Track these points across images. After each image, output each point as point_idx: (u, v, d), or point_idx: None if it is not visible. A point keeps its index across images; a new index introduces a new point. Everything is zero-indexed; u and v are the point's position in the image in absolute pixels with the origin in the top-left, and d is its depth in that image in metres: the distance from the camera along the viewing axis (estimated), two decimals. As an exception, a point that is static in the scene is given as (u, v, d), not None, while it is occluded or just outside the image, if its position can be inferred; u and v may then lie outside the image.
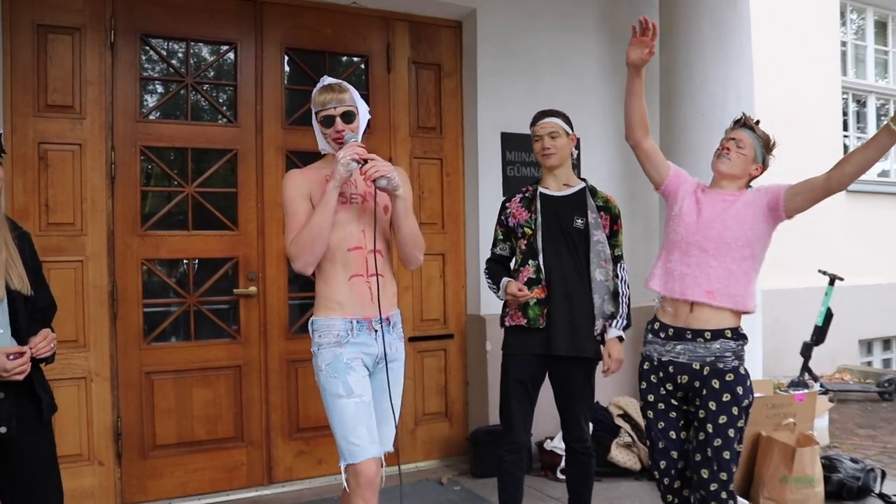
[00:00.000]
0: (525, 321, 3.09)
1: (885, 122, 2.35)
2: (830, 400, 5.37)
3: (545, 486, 4.26)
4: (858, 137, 8.18)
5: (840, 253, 7.13)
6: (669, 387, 2.73)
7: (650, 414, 2.81)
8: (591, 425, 3.30)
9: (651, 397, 2.79)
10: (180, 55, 4.18)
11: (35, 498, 2.35)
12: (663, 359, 2.73)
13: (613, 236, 3.20)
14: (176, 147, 4.10)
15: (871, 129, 8.26)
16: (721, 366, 2.61)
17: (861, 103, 8.26)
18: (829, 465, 3.99)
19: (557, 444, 4.36)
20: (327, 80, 2.63)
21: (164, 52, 4.12)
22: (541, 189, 3.21)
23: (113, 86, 3.89)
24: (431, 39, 4.79)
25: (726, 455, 2.57)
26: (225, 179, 4.25)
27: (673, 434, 2.75)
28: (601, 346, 3.18)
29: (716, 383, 2.60)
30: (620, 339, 3.13)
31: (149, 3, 3.99)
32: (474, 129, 4.74)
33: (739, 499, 3.58)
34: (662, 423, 2.76)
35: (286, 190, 2.58)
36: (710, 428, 2.59)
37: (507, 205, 3.28)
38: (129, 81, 3.94)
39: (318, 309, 2.59)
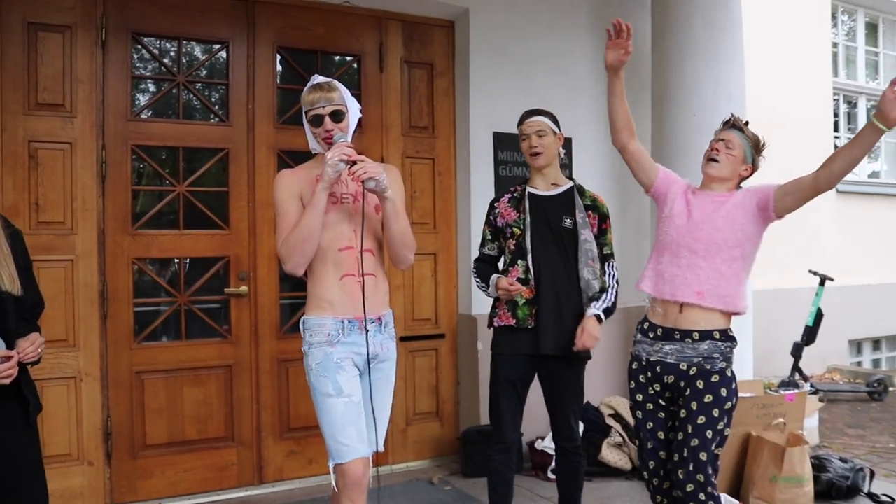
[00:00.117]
0: (514, 321, 3.10)
1: (869, 119, 2.35)
2: (820, 400, 5.39)
3: (536, 486, 4.26)
4: (849, 138, 8.19)
5: (830, 253, 7.17)
6: (657, 387, 2.74)
7: (639, 414, 2.81)
8: (581, 425, 3.31)
9: (640, 397, 2.80)
10: (172, 54, 4.17)
11: (21, 499, 2.34)
12: (651, 359, 2.74)
13: (602, 235, 3.20)
14: (167, 146, 4.09)
15: (862, 131, 8.28)
16: (708, 367, 2.61)
17: (852, 104, 8.29)
18: (819, 465, 4.01)
19: (548, 444, 4.36)
20: (317, 78, 2.63)
21: (156, 51, 4.11)
22: (529, 189, 3.21)
23: (104, 84, 3.88)
24: (424, 39, 4.78)
25: (703, 456, 2.56)
26: (216, 179, 4.24)
27: (661, 434, 2.76)
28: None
29: (700, 384, 2.60)
30: (599, 318, 3.07)
31: (140, 2, 3.97)
32: (466, 129, 4.74)
33: (730, 498, 3.61)
34: (651, 424, 2.77)
35: (277, 190, 2.57)
36: (689, 428, 2.59)
37: (496, 205, 3.28)
38: (120, 80, 3.93)
39: (309, 308, 2.59)
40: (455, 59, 4.86)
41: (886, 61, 8.52)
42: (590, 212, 3.18)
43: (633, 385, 2.83)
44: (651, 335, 2.76)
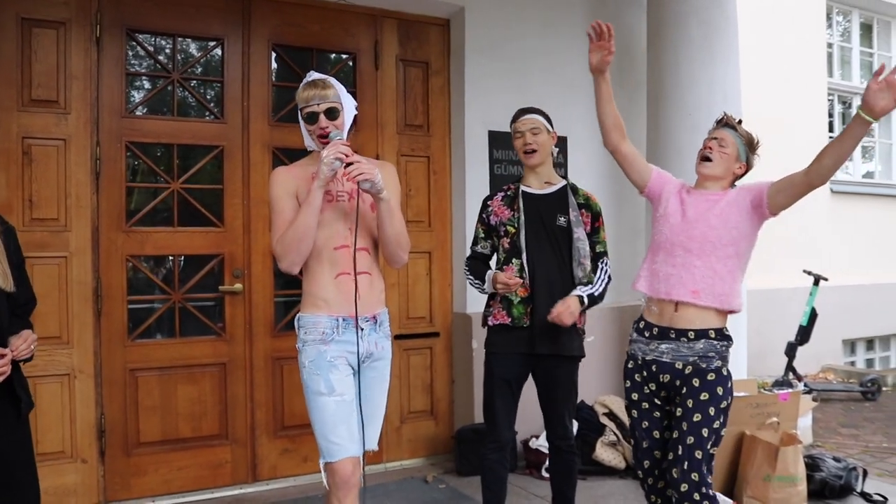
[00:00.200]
0: (509, 320, 3.09)
1: (856, 112, 2.35)
2: (814, 399, 5.40)
3: (530, 485, 4.26)
4: (844, 139, 8.23)
5: (825, 253, 7.19)
6: (653, 386, 2.74)
7: (634, 413, 2.81)
8: (575, 424, 3.31)
9: (635, 396, 2.79)
10: (167, 51, 4.15)
11: (13, 496, 2.33)
12: (647, 358, 2.74)
13: (595, 233, 3.21)
14: (162, 143, 4.08)
15: (857, 131, 8.30)
16: (704, 365, 2.61)
17: (846, 105, 8.31)
18: (812, 464, 4.02)
19: (542, 443, 4.36)
20: (313, 75, 2.62)
21: (151, 48, 4.09)
22: (523, 187, 3.22)
23: (98, 81, 3.87)
24: (419, 37, 4.78)
25: (698, 454, 2.55)
26: (211, 176, 4.24)
27: (656, 433, 2.76)
28: (583, 344, 3.19)
29: (696, 382, 2.60)
30: (581, 300, 3.04)
31: (135, -2, 3.97)
32: (461, 127, 4.74)
33: (724, 498, 3.61)
34: (646, 423, 2.77)
35: (272, 188, 2.57)
36: (684, 426, 2.58)
37: (489, 203, 3.28)
38: (114, 77, 3.91)
39: (304, 306, 2.58)
40: (450, 58, 4.86)
41: (880, 62, 8.52)
42: (583, 210, 3.19)
43: (628, 384, 2.83)
44: (647, 334, 2.76)
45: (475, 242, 3.31)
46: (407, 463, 4.67)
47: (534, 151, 3.15)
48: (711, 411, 2.57)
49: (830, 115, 7.95)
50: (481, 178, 4.72)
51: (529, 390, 3.21)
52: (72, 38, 3.79)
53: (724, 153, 2.73)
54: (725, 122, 2.80)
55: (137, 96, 4.08)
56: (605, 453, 4.42)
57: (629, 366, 2.84)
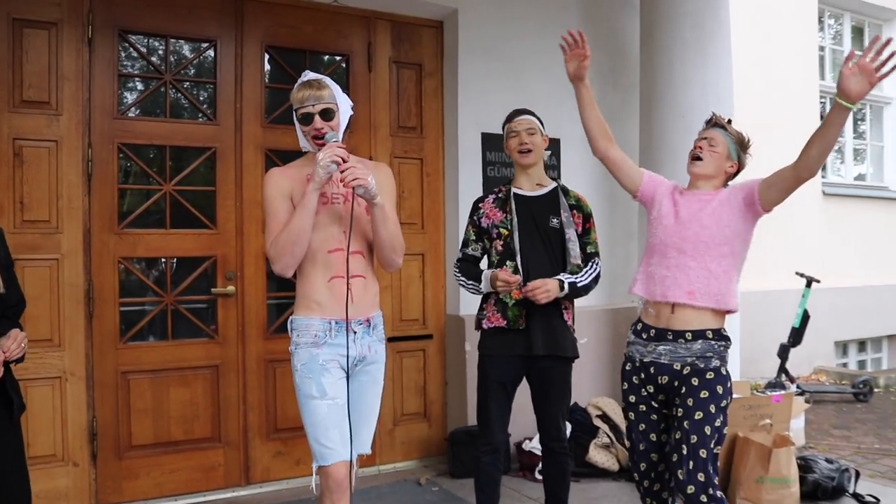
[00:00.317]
0: (504, 322, 3.09)
1: (834, 99, 2.34)
2: (806, 401, 5.42)
3: (523, 487, 4.26)
4: (838, 142, 8.25)
5: (817, 255, 7.21)
6: (651, 388, 2.72)
7: (631, 415, 2.80)
8: (568, 426, 3.30)
9: (633, 398, 2.78)
10: (160, 52, 4.14)
11: (4, 499, 2.32)
12: (645, 360, 2.72)
13: (586, 234, 3.21)
14: (154, 144, 4.06)
15: (849, 133, 8.36)
16: (702, 365, 2.60)
17: (838, 107, 8.33)
18: (805, 466, 4.02)
19: (536, 445, 4.36)
20: (308, 75, 2.59)
21: (143, 49, 4.08)
22: (514, 189, 3.22)
23: (90, 82, 3.85)
24: (413, 39, 4.78)
25: (702, 454, 2.52)
26: (204, 178, 4.22)
27: (653, 436, 2.74)
28: (577, 345, 3.20)
29: (695, 381, 2.59)
30: (561, 285, 3.02)
31: (127, -1, 3.95)
32: (455, 130, 4.74)
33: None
34: (643, 426, 2.76)
35: (266, 189, 2.55)
36: (685, 424, 2.55)
37: (480, 205, 3.27)
38: (107, 78, 3.90)
39: (297, 308, 2.57)
40: (443, 60, 4.86)
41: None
42: (574, 211, 3.20)
43: (626, 386, 2.82)
44: (644, 336, 2.75)
45: (465, 245, 3.29)
46: (400, 465, 4.66)
47: (529, 151, 3.16)
48: (712, 409, 2.55)
49: (822, 118, 7.95)
50: (474, 180, 4.72)
51: (522, 393, 3.21)
52: (63, 38, 3.77)
53: (715, 152, 2.73)
54: (715, 123, 2.81)
55: (130, 98, 4.06)
56: (598, 455, 4.42)
57: (627, 368, 2.83)
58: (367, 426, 2.67)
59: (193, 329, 4.16)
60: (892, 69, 2.25)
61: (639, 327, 2.80)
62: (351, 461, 2.51)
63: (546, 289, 2.96)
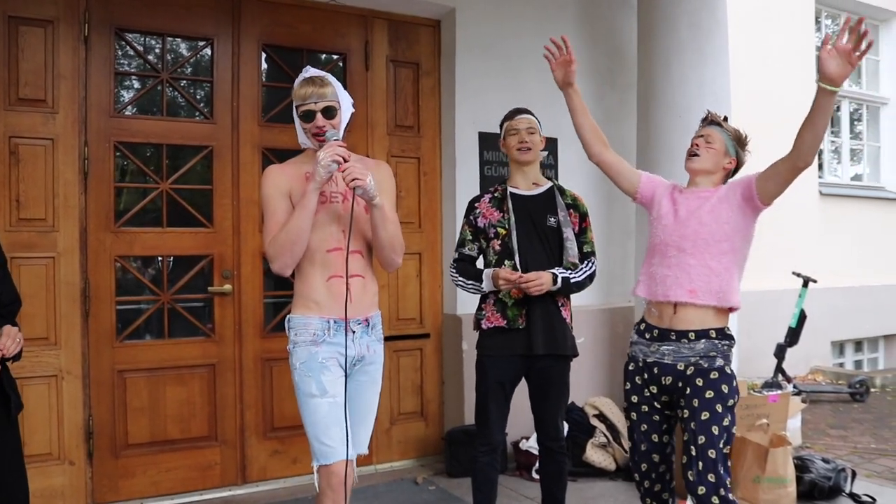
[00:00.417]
0: (504, 322, 3.08)
1: (817, 84, 2.33)
2: (803, 401, 5.42)
3: (520, 486, 4.26)
4: (832, 141, 8.29)
5: (814, 255, 7.21)
6: (654, 389, 2.70)
7: (633, 416, 2.77)
8: (565, 425, 3.30)
9: (635, 398, 2.76)
10: (156, 50, 4.13)
11: (2, 498, 2.32)
12: (648, 360, 2.70)
13: (583, 234, 3.22)
14: (151, 143, 4.06)
15: (846, 134, 8.37)
16: (706, 365, 2.58)
17: (835, 108, 8.35)
18: (802, 466, 4.03)
19: (532, 445, 4.36)
20: (310, 71, 2.57)
21: (140, 47, 4.07)
22: (510, 188, 3.22)
23: (87, 80, 3.84)
24: (410, 38, 4.77)
25: (711, 454, 2.49)
26: (200, 176, 4.21)
27: (655, 437, 2.72)
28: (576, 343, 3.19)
29: (699, 381, 2.56)
30: (555, 279, 3.02)
31: (124, -3, 3.94)
32: (452, 129, 4.73)
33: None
34: (645, 426, 2.73)
35: (265, 187, 2.52)
36: (692, 426, 2.53)
37: (476, 205, 3.26)
38: (103, 76, 3.89)
39: (295, 307, 2.55)
40: (441, 59, 4.85)
41: (869, 65, 8.59)
42: (571, 211, 3.20)
43: (628, 386, 2.79)
44: (647, 336, 2.73)
45: (462, 245, 3.27)
46: (397, 464, 4.66)
47: (528, 149, 3.17)
48: (719, 408, 2.53)
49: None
50: (471, 180, 4.72)
51: (519, 392, 3.21)
52: (60, 36, 3.76)
53: (711, 148, 2.72)
54: (711, 120, 2.80)
55: (126, 96, 4.06)
56: (595, 455, 4.42)
57: (630, 368, 2.80)
58: (365, 427, 2.66)
59: (190, 328, 4.15)
60: (868, 48, 2.24)
61: (642, 327, 2.78)
62: (347, 460, 2.51)
63: (540, 282, 2.97)
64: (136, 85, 4.11)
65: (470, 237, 3.26)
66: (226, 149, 4.19)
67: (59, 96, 3.77)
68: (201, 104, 4.22)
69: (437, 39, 4.86)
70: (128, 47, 4.03)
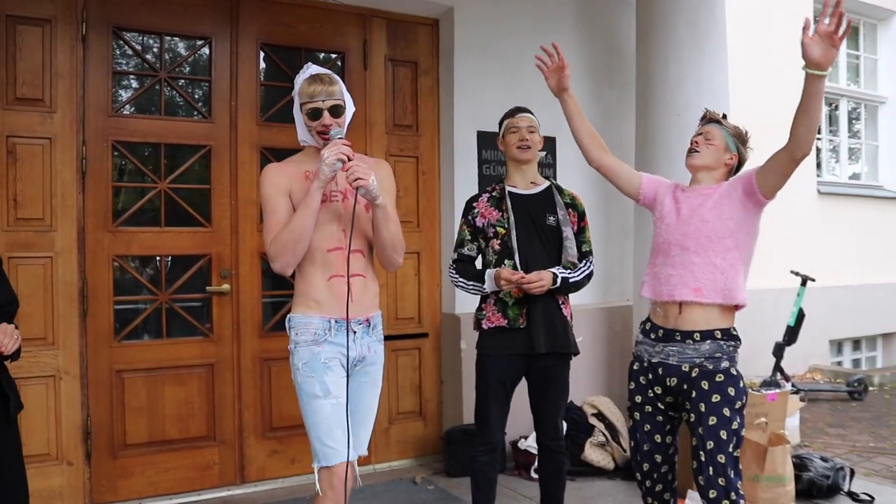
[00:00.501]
0: (505, 321, 3.07)
1: (804, 71, 2.32)
2: (802, 399, 5.41)
3: (519, 486, 4.26)
4: (831, 140, 8.29)
5: (812, 254, 7.21)
6: (658, 390, 2.68)
7: (637, 415, 2.75)
8: (564, 424, 3.30)
9: (639, 398, 2.74)
10: (154, 49, 4.12)
11: (2, 496, 2.31)
12: (653, 360, 2.68)
13: (581, 233, 3.22)
14: (149, 142, 4.05)
15: (844, 133, 8.37)
16: (710, 367, 2.55)
17: (833, 107, 8.36)
18: (800, 464, 4.03)
19: (531, 444, 4.36)
20: (313, 68, 2.55)
21: (138, 46, 4.06)
22: (508, 188, 3.21)
23: (85, 79, 3.83)
24: (408, 37, 4.77)
25: (721, 459, 2.48)
26: (198, 175, 4.21)
27: (658, 438, 2.71)
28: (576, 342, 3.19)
29: (705, 384, 2.54)
30: (555, 278, 3.02)
31: (122, -4, 3.93)
32: (450, 128, 4.73)
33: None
34: (648, 426, 2.72)
35: (264, 186, 2.49)
36: (700, 431, 2.51)
37: (474, 205, 3.25)
38: (101, 75, 3.88)
39: (295, 306, 2.53)
40: (439, 58, 4.85)
41: (867, 64, 8.59)
42: (570, 210, 3.20)
43: (632, 386, 2.77)
44: (652, 336, 2.71)
45: (461, 245, 3.25)
46: (395, 464, 4.66)
47: (529, 147, 3.17)
48: (726, 412, 2.50)
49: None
50: (470, 179, 4.71)
51: (518, 391, 3.21)
52: (57, 35, 3.75)
53: (711, 144, 2.70)
54: (710, 119, 2.79)
55: (124, 95, 4.05)
56: (593, 454, 4.42)
57: (634, 367, 2.78)
58: (365, 428, 2.65)
59: (188, 327, 4.14)
60: (848, 28, 2.24)
61: (647, 327, 2.76)
62: (348, 462, 2.50)
63: (541, 283, 2.97)
64: (134, 84, 4.10)
65: (469, 237, 3.24)
66: (224, 148, 4.19)
67: (56, 95, 3.76)
68: (199, 103, 4.22)
69: (436, 38, 4.86)
70: (126, 46, 4.03)
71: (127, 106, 4.03)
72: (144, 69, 4.08)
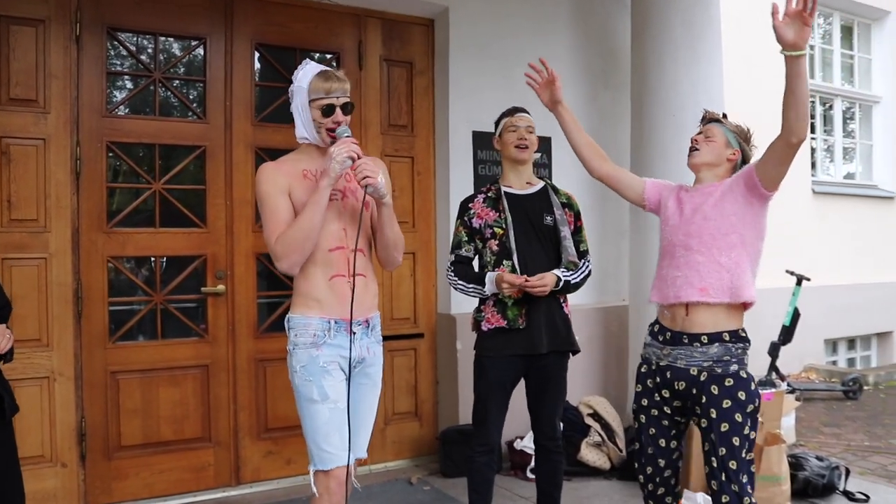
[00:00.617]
0: (505, 322, 3.06)
1: (781, 54, 2.32)
2: (797, 399, 5.43)
3: (515, 486, 4.25)
4: (825, 140, 8.30)
5: (807, 254, 7.23)
6: (666, 393, 2.63)
7: (642, 418, 2.71)
8: (560, 424, 3.30)
9: (645, 402, 2.70)
10: (149, 50, 4.11)
11: (-1, 499, 2.31)
12: (661, 363, 2.64)
13: (577, 232, 3.23)
14: (143, 143, 4.03)
15: (838, 132, 8.39)
16: (719, 371, 2.51)
17: (828, 106, 8.38)
18: (796, 464, 4.04)
19: (527, 444, 4.36)
20: (312, 65, 2.54)
21: (132, 47, 4.05)
22: (504, 188, 3.20)
23: (79, 80, 3.82)
24: (403, 37, 4.76)
25: (732, 465, 2.45)
26: (193, 176, 4.20)
27: (662, 442, 2.67)
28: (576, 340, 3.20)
29: (714, 389, 2.49)
30: (558, 281, 3.02)
31: (116, -4, 3.92)
32: (446, 128, 4.72)
33: (706, 497, 3.61)
34: (653, 430, 2.68)
35: (263, 185, 2.46)
36: (712, 437, 2.48)
37: (470, 205, 3.23)
38: (95, 76, 3.86)
39: (295, 306, 2.51)
40: (434, 58, 4.84)
41: (861, 64, 8.62)
42: (566, 209, 3.20)
43: (639, 388, 2.74)
44: (660, 339, 2.67)
45: (458, 246, 3.23)
46: (391, 465, 4.65)
47: (527, 147, 3.17)
48: (738, 418, 2.47)
49: (812, 117, 8.01)
50: (465, 179, 4.71)
51: (515, 391, 3.20)
52: (51, 36, 3.74)
53: (711, 142, 2.67)
54: (710, 119, 2.77)
55: (119, 96, 4.03)
56: (589, 454, 4.42)
57: (642, 370, 2.74)
58: (365, 430, 2.64)
59: (183, 328, 4.13)
60: (815, 3, 2.24)
61: (655, 329, 2.73)
62: (348, 465, 2.49)
63: (543, 285, 2.97)
64: (129, 85, 4.09)
65: (465, 238, 3.22)
66: (219, 148, 4.18)
67: (50, 96, 3.74)
68: (194, 104, 4.21)
69: (431, 38, 4.85)
70: (120, 47, 4.02)
71: (121, 106, 4.02)
72: (139, 69, 4.07)
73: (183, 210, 4.11)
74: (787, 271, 6.24)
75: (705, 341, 2.54)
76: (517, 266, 3.05)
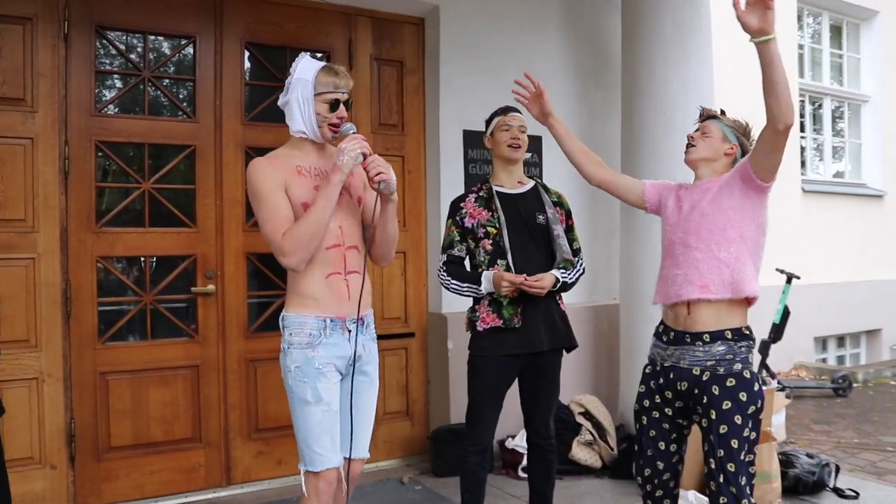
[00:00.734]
0: (500, 322, 3.04)
1: (752, 43, 2.33)
2: (787, 396, 5.46)
3: (507, 485, 4.25)
4: (815, 139, 8.33)
5: (797, 252, 7.24)
6: (668, 394, 2.61)
7: (644, 419, 2.69)
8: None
9: (647, 403, 2.68)
10: (138, 49, 4.09)
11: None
12: (665, 364, 2.61)
13: (570, 231, 3.23)
14: (133, 142, 4.01)
15: (827, 131, 8.42)
16: (721, 370, 2.47)
17: (817, 105, 8.41)
18: (786, 461, 4.05)
19: (519, 443, 4.36)
20: (310, 59, 2.53)
21: (121, 46, 4.03)
22: (495, 187, 3.19)
23: (67, 79, 3.79)
24: (394, 36, 4.75)
25: (731, 467, 2.42)
26: (183, 176, 4.18)
27: (662, 445, 2.65)
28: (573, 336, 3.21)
29: (716, 390, 2.46)
30: (557, 280, 3.03)
31: (104, -5, 3.90)
32: (436, 127, 4.72)
33: (700, 496, 3.62)
34: (654, 432, 2.66)
35: (260, 181, 2.40)
36: (711, 438, 2.46)
37: (462, 205, 3.21)
38: (83, 74, 3.84)
39: (290, 304, 2.48)
40: (425, 57, 4.84)
41: (850, 63, 8.65)
42: (557, 208, 3.20)
43: (642, 389, 2.71)
44: (664, 339, 2.65)
45: (450, 246, 3.19)
46: (382, 464, 4.64)
47: (519, 146, 3.17)
48: (738, 420, 2.43)
49: (802, 116, 8.04)
50: (456, 178, 4.71)
51: (509, 390, 3.20)
52: (39, 34, 3.71)
53: (707, 137, 2.66)
54: (707, 115, 2.75)
55: (107, 95, 4.01)
56: (581, 453, 4.42)
57: (647, 370, 2.72)
58: (366, 429, 2.62)
59: (173, 329, 4.11)
60: None
61: (660, 329, 2.71)
62: (349, 466, 2.48)
63: (542, 285, 2.97)
64: (118, 83, 4.06)
65: (458, 238, 3.19)
66: (209, 148, 4.16)
67: (38, 95, 3.72)
68: (184, 103, 4.19)
69: (421, 37, 4.85)
70: (109, 45, 3.99)
71: (110, 105, 4.00)
72: (128, 68, 4.04)
73: (172, 210, 4.09)
74: (777, 269, 6.25)
75: (707, 340, 2.51)
76: (512, 265, 3.05)
